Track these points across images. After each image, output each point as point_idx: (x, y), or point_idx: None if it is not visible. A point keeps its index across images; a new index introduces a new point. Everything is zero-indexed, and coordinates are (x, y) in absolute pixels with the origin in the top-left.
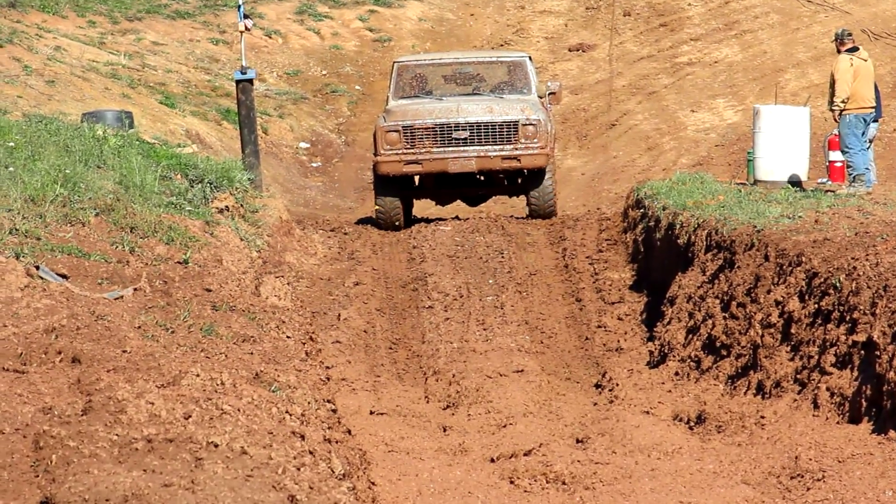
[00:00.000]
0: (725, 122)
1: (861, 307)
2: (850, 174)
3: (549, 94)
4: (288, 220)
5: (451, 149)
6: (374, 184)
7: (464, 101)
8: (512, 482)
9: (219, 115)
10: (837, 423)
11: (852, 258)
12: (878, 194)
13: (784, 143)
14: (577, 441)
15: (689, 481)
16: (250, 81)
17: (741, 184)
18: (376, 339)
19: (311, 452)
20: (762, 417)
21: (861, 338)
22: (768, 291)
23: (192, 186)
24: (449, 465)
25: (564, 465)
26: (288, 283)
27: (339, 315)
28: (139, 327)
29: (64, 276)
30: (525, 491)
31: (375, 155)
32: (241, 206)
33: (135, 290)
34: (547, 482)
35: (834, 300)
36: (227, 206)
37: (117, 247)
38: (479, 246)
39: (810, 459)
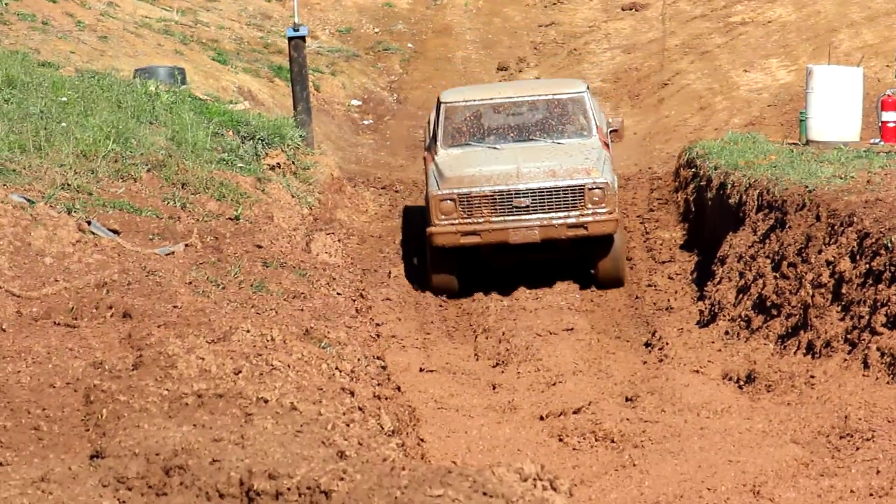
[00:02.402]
0: (778, 83)
1: None
2: None
3: (611, 131)
4: (339, 177)
5: (511, 218)
6: (429, 254)
7: (523, 161)
8: (561, 440)
9: (271, 73)
10: (887, 382)
11: None
12: None
13: (837, 104)
14: (627, 399)
15: (738, 440)
16: (303, 38)
17: (793, 144)
18: (426, 296)
19: (360, 409)
20: (812, 377)
21: None
22: (819, 251)
23: (244, 143)
24: (498, 423)
25: (613, 424)
26: (339, 241)
27: (390, 272)
28: (190, 283)
29: (115, 232)
30: (574, 449)
31: (428, 224)
32: (293, 163)
33: (186, 245)
34: (596, 440)
35: (885, 260)
36: (278, 163)
37: (169, 203)
38: None
39: (860, 419)
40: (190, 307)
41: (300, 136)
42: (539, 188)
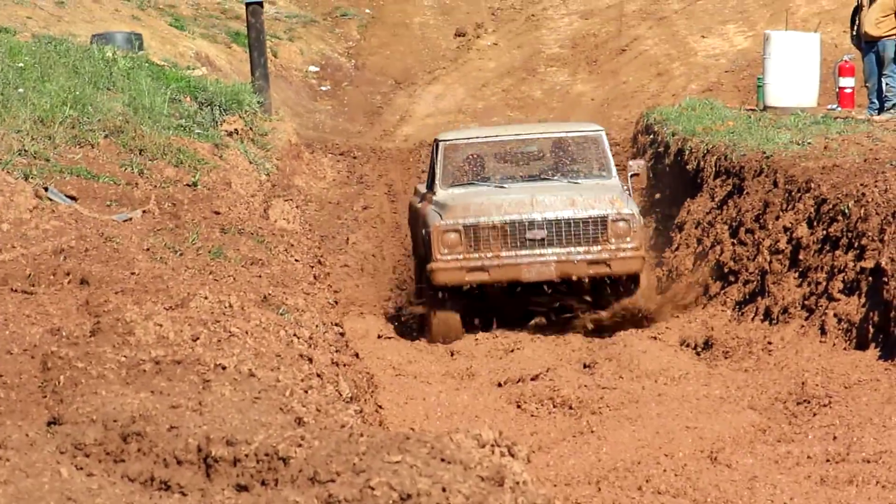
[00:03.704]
0: (735, 48)
1: (869, 233)
2: (890, 99)
3: (632, 175)
4: (297, 143)
5: (524, 252)
6: (426, 294)
7: (538, 192)
8: (519, 406)
9: (228, 38)
10: (844, 349)
11: (861, 184)
12: (885, 121)
13: (794, 70)
14: (584, 366)
15: (696, 406)
16: (260, 4)
17: (751, 110)
18: (384, 262)
19: (318, 375)
20: (769, 343)
21: (869, 264)
22: (777, 218)
23: (202, 109)
24: (456, 390)
25: (571, 390)
26: (297, 207)
27: (348, 239)
28: (148, 249)
29: (73, 198)
30: (532, 415)
31: (428, 260)
32: (251, 129)
33: (143, 212)
34: (554, 406)
35: (842, 226)
36: (236, 129)
37: (126, 169)
38: None
39: (817, 385)
40: (148, 274)
41: (258, 102)
42: (557, 219)
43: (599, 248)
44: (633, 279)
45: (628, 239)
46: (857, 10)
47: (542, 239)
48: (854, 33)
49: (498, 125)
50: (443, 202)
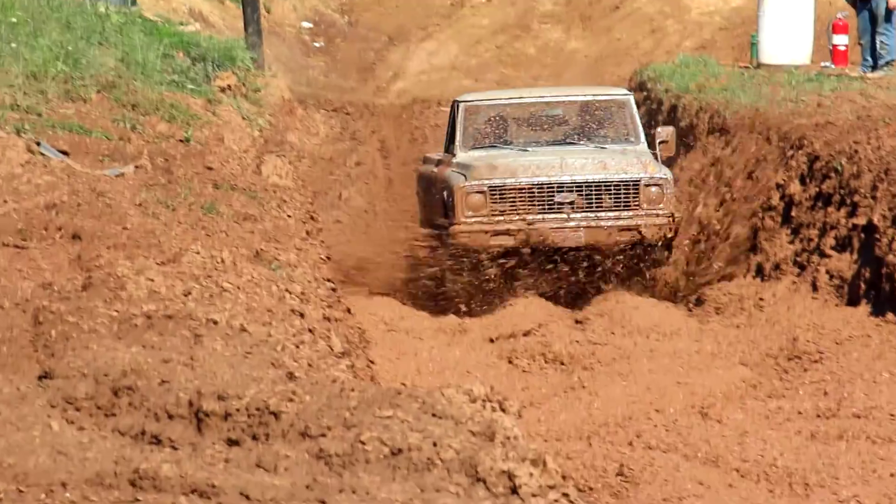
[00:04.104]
0: (730, 6)
1: (862, 190)
2: (884, 56)
3: (661, 143)
4: (290, 99)
5: (551, 216)
6: (446, 258)
7: (567, 154)
8: (510, 362)
9: None
10: (836, 305)
11: (854, 142)
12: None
13: (788, 27)
14: (576, 322)
15: (687, 362)
16: None
17: (744, 67)
18: (377, 219)
19: (310, 330)
20: (761, 300)
21: (861, 221)
22: (769, 175)
23: (195, 65)
24: (448, 345)
25: (563, 346)
26: (289, 163)
27: (340, 195)
28: (140, 205)
29: (65, 153)
30: (523, 371)
31: (449, 223)
32: (244, 84)
33: (136, 167)
34: (545, 362)
35: (835, 183)
36: (229, 85)
37: (119, 124)
38: None
39: (808, 341)
40: (140, 229)
41: (251, 58)
42: (587, 181)
43: (631, 213)
44: (666, 247)
45: (661, 205)
46: None
47: (572, 202)
48: None
49: (522, 87)
50: (466, 163)
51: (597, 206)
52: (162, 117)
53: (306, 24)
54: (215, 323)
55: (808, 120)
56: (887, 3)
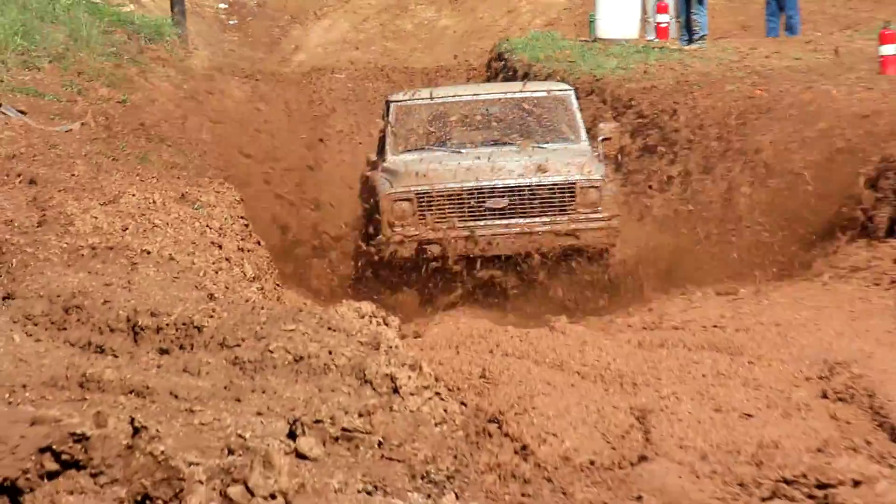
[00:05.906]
0: None
1: (680, 143)
2: (697, 32)
3: (603, 139)
4: (209, 68)
5: (482, 223)
6: (372, 273)
7: (499, 156)
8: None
9: None
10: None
11: (674, 102)
12: (693, 50)
13: (620, 7)
14: None
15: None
16: None
17: (584, 41)
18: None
19: (227, 259)
20: None
21: (679, 168)
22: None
23: (130, 39)
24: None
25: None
26: (209, 121)
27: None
28: (85, 155)
29: (23, 112)
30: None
31: (374, 235)
32: (171, 56)
33: (82, 124)
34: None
35: (658, 137)
36: (159, 56)
37: (67, 89)
38: (368, 91)
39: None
40: (85, 175)
41: (177, 34)
42: (519, 185)
43: (567, 218)
44: (605, 253)
45: (600, 209)
46: None
47: (503, 208)
48: None
49: (457, 84)
50: (393, 169)
51: (530, 212)
52: (103, 83)
53: (222, 6)
54: (148, 253)
55: (636, 84)
56: None
